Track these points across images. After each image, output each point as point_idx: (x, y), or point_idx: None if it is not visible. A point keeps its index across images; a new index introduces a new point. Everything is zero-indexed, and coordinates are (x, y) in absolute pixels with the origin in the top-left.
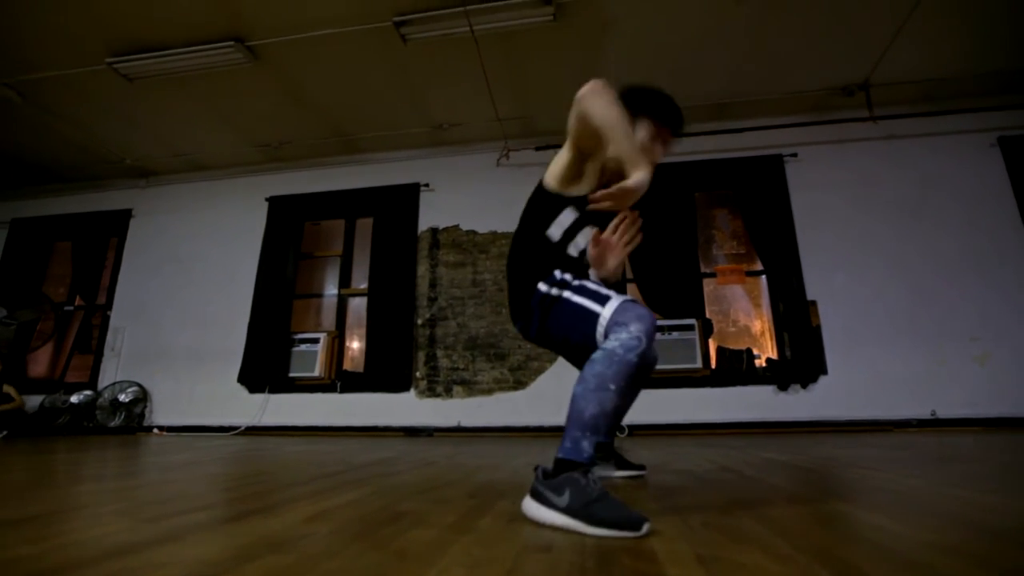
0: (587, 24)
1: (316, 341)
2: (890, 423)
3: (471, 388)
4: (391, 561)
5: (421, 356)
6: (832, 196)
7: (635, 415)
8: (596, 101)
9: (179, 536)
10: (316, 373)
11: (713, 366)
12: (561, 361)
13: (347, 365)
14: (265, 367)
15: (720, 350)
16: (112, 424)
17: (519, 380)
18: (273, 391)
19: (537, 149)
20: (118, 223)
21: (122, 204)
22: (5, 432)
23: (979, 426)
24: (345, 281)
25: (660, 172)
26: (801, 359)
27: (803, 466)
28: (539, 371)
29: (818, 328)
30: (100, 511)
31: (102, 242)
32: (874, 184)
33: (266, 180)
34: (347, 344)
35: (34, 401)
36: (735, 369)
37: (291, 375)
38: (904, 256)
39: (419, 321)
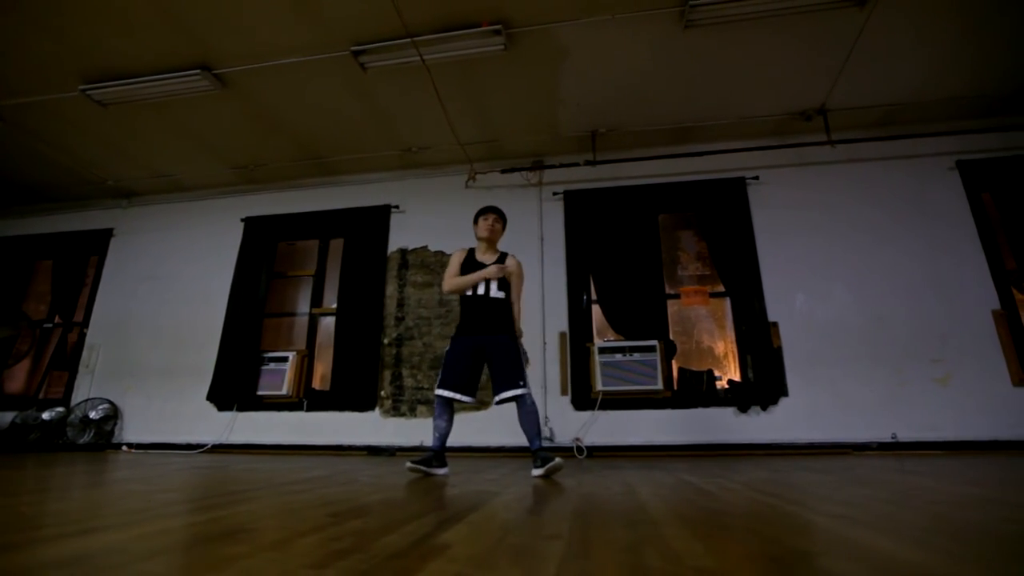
0: (540, 53)
1: (285, 360)
2: (850, 446)
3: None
4: (166, 574)
5: (387, 375)
6: (794, 218)
7: (593, 437)
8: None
9: (8, 549)
10: (284, 391)
11: (675, 387)
12: None
13: (317, 383)
14: (234, 385)
15: (681, 371)
16: (82, 441)
17: (482, 400)
18: (241, 409)
19: (503, 172)
20: (99, 242)
21: (104, 224)
22: None
23: (940, 449)
24: (317, 300)
25: (624, 195)
26: (762, 381)
27: (706, 489)
28: None
29: (779, 350)
30: None
31: (83, 261)
32: (835, 207)
33: (242, 201)
34: (317, 363)
35: (7, 417)
36: (696, 390)
37: (259, 393)
38: (865, 278)
39: (386, 340)
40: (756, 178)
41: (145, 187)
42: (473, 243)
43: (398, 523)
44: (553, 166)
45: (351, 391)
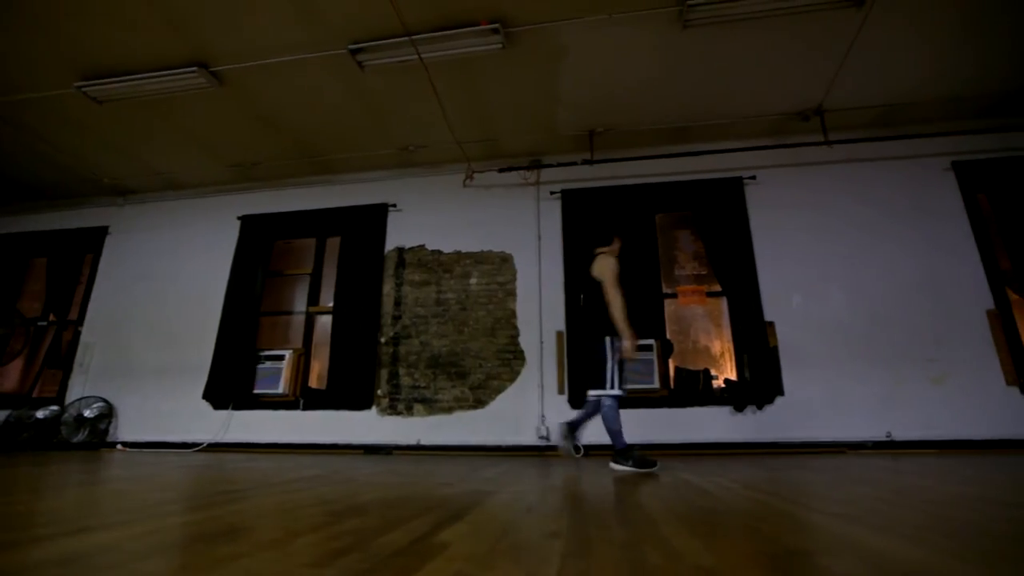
0: (538, 52)
1: (281, 358)
2: (846, 444)
3: (432, 406)
4: (165, 573)
5: (383, 374)
6: (791, 218)
7: (590, 436)
8: (610, 289)
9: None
10: (280, 390)
11: (672, 386)
12: (521, 382)
13: (314, 382)
14: (230, 384)
15: (678, 370)
16: (76, 440)
17: (479, 399)
18: (237, 408)
19: (500, 171)
20: (94, 240)
21: (99, 221)
22: None
23: (935, 448)
24: (314, 299)
25: (622, 194)
26: (758, 380)
27: (703, 488)
28: (499, 390)
29: (775, 349)
30: None
31: (77, 258)
32: (832, 206)
33: (238, 199)
34: (314, 361)
35: (0, 416)
36: (692, 390)
37: (255, 392)
38: (861, 278)
39: (383, 339)
40: (753, 178)
41: (141, 185)
42: (471, 243)
43: (397, 522)
44: (551, 165)
45: (348, 390)
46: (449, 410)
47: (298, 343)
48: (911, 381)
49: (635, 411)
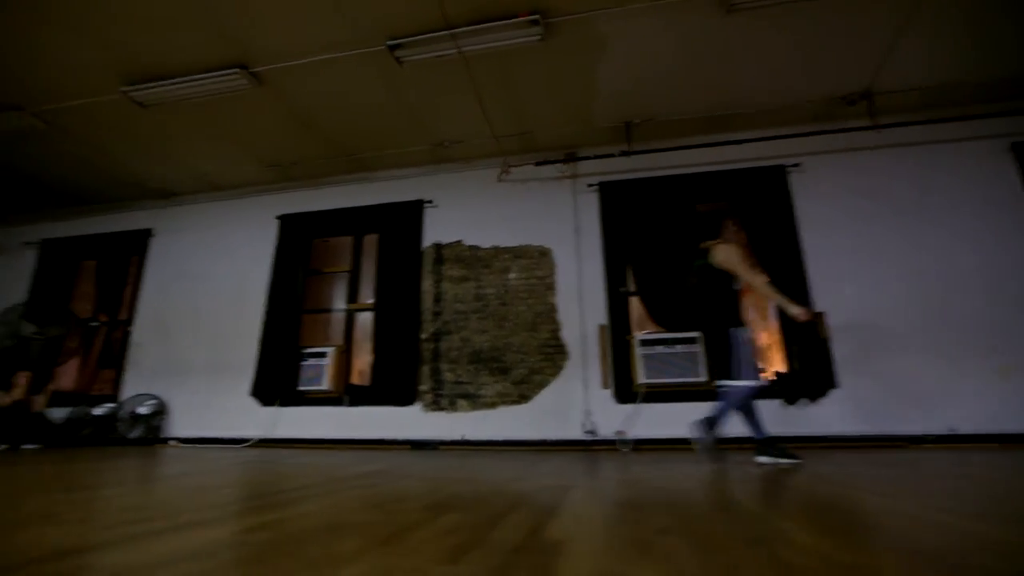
0: (578, 42)
1: (324, 355)
2: (905, 439)
3: (475, 402)
4: (302, 569)
5: (426, 370)
6: (838, 206)
7: (637, 430)
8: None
9: (124, 542)
10: (324, 387)
11: None
12: (564, 375)
13: (355, 379)
14: (276, 381)
15: None
16: (132, 436)
17: (523, 394)
18: (284, 404)
19: (537, 164)
20: (139, 242)
21: (143, 224)
22: (40, 445)
23: (1002, 442)
24: (353, 296)
25: (661, 185)
26: (810, 372)
27: (784, 482)
28: (542, 385)
29: (826, 340)
30: (68, 518)
31: (124, 260)
32: (882, 193)
33: (277, 199)
34: (355, 358)
35: (61, 413)
36: None
37: (300, 388)
38: (916, 266)
39: (424, 335)
40: (797, 165)
41: (183, 187)
42: (508, 238)
43: (494, 517)
44: (587, 157)
45: (391, 386)
46: (492, 405)
47: (338, 340)
48: (973, 373)
49: (682, 405)
